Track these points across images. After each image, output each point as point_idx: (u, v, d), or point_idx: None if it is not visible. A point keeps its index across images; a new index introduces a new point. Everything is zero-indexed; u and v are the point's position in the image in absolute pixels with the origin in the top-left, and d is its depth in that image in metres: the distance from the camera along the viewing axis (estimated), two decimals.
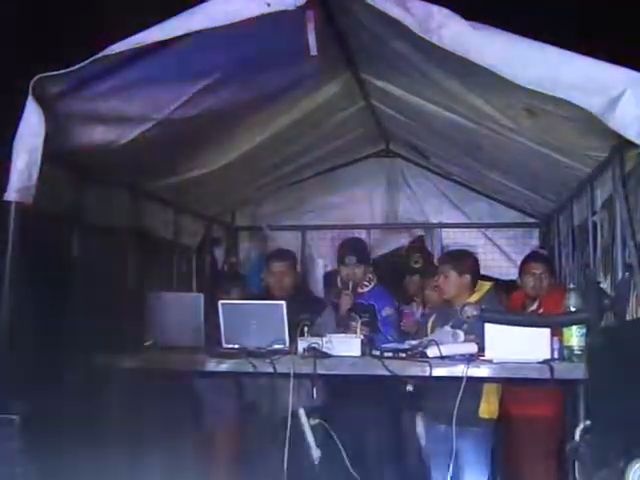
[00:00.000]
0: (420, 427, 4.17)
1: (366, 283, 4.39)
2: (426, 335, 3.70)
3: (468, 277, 3.83)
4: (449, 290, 3.88)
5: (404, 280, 5.12)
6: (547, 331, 3.09)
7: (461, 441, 3.42)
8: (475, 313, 3.46)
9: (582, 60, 2.39)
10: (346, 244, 4.60)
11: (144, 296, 3.94)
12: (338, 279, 4.46)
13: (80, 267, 3.68)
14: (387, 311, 4.30)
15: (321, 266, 5.96)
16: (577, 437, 3.53)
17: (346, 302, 4.24)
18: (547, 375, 2.93)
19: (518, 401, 3.94)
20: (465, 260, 3.94)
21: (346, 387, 3.92)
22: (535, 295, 4.19)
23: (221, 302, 3.59)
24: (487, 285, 3.96)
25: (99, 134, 3.18)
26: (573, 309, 3.21)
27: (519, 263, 4.60)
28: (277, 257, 4.24)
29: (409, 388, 4.05)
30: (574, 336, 3.11)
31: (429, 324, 3.94)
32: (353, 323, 4.02)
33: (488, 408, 3.69)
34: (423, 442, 4.14)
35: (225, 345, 3.52)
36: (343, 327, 4.07)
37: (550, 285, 4.24)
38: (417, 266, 4.90)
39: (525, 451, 4.02)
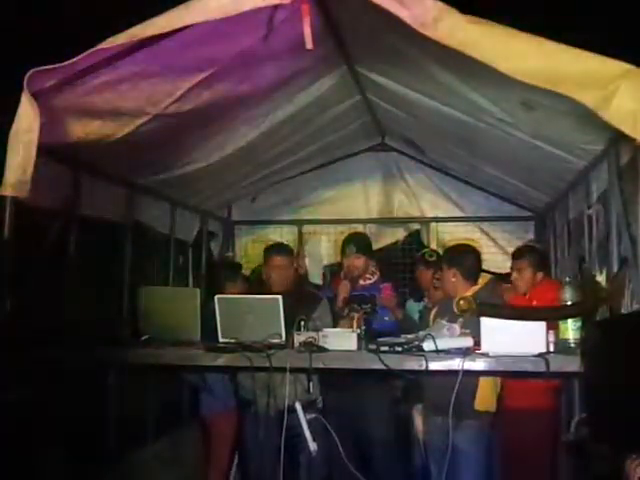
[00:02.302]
0: (417, 420, 4.17)
1: (369, 276, 4.40)
2: (427, 328, 3.70)
3: (456, 271, 3.80)
4: (442, 284, 3.91)
5: (415, 274, 5.07)
6: (543, 324, 3.09)
7: (458, 434, 3.43)
8: (467, 307, 3.46)
9: (578, 53, 2.38)
10: (348, 236, 4.62)
11: (140, 290, 3.93)
12: (342, 274, 4.45)
13: (76, 261, 3.67)
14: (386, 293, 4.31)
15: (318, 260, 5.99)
16: (572, 429, 3.55)
17: (343, 290, 4.24)
18: (542, 368, 2.93)
19: (515, 395, 3.94)
20: (453, 254, 3.92)
21: (343, 380, 3.92)
22: (523, 290, 4.17)
23: (217, 296, 3.58)
24: (485, 278, 3.95)
25: (94, 128, 3.17)
26: (569, 302, 3.21)
27: None
28: (277, 251, 4.22)
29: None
30: (570, 329, 3.11)
31: (431, 317, 3.94)
32: (354, 314, 4.01)
33: (484, 401, 3.69)
34: (420, 435, 4.14)
35: (221, 339, 3.51)
36: (341, 318, 4.07)
37: (540, 278, 4.21)
38: (432, 259, 4.82)
39: (522, 444, 4.02)
